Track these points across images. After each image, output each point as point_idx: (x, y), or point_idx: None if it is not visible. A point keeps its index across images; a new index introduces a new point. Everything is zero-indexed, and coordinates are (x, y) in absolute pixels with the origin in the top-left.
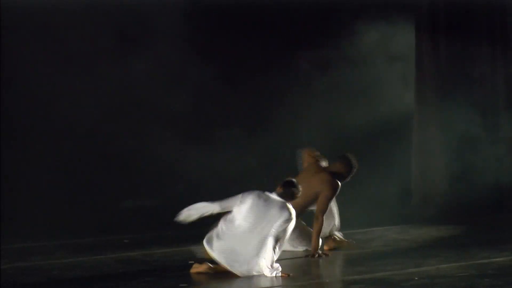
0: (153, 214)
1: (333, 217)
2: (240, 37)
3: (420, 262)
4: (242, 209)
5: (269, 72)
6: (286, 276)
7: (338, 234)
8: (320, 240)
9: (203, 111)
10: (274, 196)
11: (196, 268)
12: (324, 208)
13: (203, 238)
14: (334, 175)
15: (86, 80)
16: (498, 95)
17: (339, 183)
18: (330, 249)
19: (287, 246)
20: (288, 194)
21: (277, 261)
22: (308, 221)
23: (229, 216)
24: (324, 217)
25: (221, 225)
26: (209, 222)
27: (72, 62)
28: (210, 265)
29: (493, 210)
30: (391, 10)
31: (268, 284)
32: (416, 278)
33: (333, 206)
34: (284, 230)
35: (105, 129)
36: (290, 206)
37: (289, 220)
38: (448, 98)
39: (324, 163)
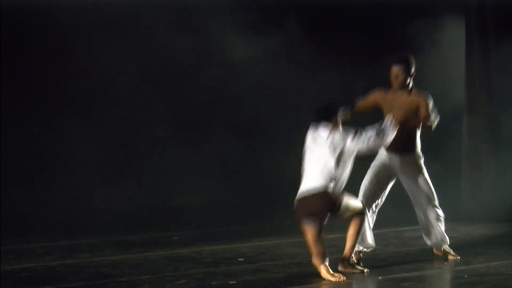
0: (201, 211)
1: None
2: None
3: (470, 260)
4: None
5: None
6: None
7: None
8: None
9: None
10: None
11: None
12: None
13: (249, 236)
14: None
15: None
16: None
17: None
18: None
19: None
20: None
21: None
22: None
23: None
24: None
25: None
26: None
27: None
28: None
29: None
30: (441, 8)
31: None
32: (466, 276)
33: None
34: None
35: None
36: None
37: None
38: (498, 96)
39: None
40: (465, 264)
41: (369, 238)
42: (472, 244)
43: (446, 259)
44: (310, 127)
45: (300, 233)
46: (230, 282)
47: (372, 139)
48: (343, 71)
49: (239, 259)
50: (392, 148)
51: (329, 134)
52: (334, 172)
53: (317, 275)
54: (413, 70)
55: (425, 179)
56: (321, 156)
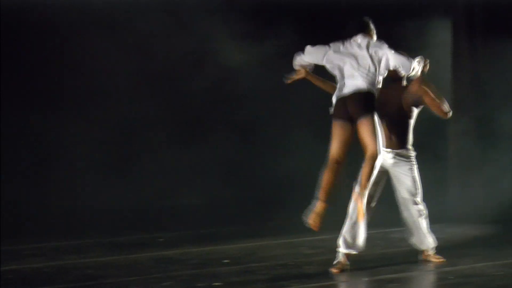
0: (188, 212)
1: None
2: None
3: (456, 261)
4: None
5: None
6: None
7: None
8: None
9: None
10: None
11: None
12: None
13: (237, 238)
14: None
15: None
16: None
17: None
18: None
19: None
20: None
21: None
22: None
23: None
24: None
25: None
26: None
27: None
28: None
29: None
30: (428, 9)
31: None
32: (452, 277)
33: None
34: None
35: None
36: None
37: None
38: (485, 96)
39: None
40: (451, 265)
41: (361, 240)
42: (458, 245)
43: (431, 261)
44: (332, 45)
45: (286, 234)
46: (215, 283)
47: (402, 57)
48: None
49: (225, 261)
50: (385, 142)
51: (368, 42)
52: (377, 76)
53: (302, 276)
54: None
55: (413, 175)
56: (363, 62)
